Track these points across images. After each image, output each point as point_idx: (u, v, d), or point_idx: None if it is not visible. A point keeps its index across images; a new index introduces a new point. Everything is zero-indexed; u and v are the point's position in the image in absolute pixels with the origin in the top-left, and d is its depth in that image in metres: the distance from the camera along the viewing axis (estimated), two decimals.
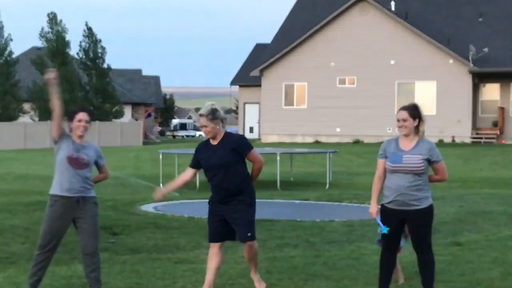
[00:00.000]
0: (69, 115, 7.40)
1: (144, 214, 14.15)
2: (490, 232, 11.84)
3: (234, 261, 9.16)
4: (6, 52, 54.69)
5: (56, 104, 7.36)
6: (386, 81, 42.86)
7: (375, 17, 43.74)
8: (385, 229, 7.04)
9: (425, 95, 40.41)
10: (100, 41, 57.00)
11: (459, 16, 45.46)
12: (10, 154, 39.38)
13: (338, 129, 43.85)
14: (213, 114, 7.33)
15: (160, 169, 22.04)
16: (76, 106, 53.45)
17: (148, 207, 15.33)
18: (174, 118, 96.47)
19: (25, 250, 10.10)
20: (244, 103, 54.03)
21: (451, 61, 42.08)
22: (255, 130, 52.52)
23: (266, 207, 15.33)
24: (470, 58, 41.38)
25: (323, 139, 43.71)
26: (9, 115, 53.23)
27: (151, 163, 30.91)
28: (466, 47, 41.63)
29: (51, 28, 54.43)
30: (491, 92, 43.82)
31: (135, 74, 72.97)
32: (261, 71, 45.51)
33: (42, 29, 54.43)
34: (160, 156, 22.65)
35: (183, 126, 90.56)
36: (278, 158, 21.34)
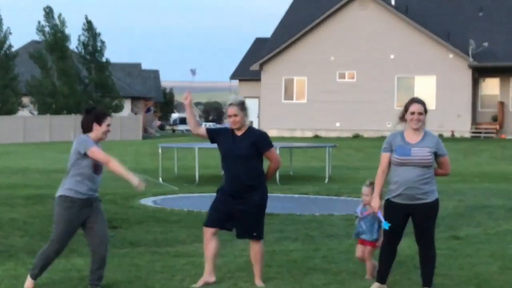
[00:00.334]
0: (97, 116, 7.31)
1: (143, 208, 14.15)
2: (489, 226, 11.86)
3: (233, 255, 9.17)
4: (5, 46, 54.64)
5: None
6: (385, 75, 42.86)
7: (375, 12, 43.71)
8: (386, 225, 7.05)
9: (425, 90, 40.40)
10: (100, 34, 56.95)
11: (459, 11, 45.42)
12: (9, 147, 39.39)
13: (337, 124, 43.86)
14: (242, 105, 7.55)
15: (159, 163, 22.03)
16: (75, 100, 53.38)
17: (147, 201, 15.33)
18: (174, 112, 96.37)
19: (24, 243, 10.12)
20: (244, 97, 53.68)
21: (451, 55, 42.07)
22: (255, 124, 52.44)
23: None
24: (470, 52, 41.38)
25: (323, 134, 43.72)
26: (8, 109, 53.22)
27: (151, 157, 30.91)
28: (466, 41, 41.63)
29: (47, 22, 54.34)
30: (491, 86, 43.82)
31: (135, 68, 72.93)
32: (261, 65, 45.49)
33: (39, 23, 54.39)
34: (160, 150, 22.64)
35: (182, 121, 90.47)
36: (277, 152, 21.30)
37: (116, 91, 57.00)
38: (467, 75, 41.97)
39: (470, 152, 30.74)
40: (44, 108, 53.25)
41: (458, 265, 8.59)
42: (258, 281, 7.58)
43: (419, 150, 7.00)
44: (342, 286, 7.50)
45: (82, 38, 56.60)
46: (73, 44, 56.94)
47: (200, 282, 7.54)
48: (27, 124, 49.00)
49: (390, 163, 7.12)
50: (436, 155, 7.09)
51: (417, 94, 40.75)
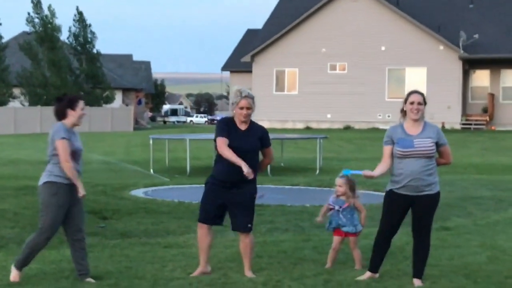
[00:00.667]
0: (70, 101, 7.33)
1: (134, 199, 14.16)
2: (478, 217, 11.93)
3: (223, 245, 9.20)
4: None
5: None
6: (376, 67, 42.92)
7: (366, 3, 43.72)
8: (348, 171, 7.40)
9: (416, 81, 40.48)
10: (90, 25, 56.79)
11: (449, 3, 45.48)
12: (0, 139, 39.29)
13: (329, 115, 43.91)
14: (254, 99, 7.52)
15: (150, 155, 22.02)
16: (66, 91, 53.32)
17: (138, 192, 15.34)
18: (165, 104, 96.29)
19: (15, 234, 10.12)
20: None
21: (441, 47, 42.15)
22: None
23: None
24: (460, 44, 41.46)
25: (314, 125, 43.77)
26: None
27: (142, 148, 30.88)
28: (457, 33, 41.70)
29: (36, 13, 54.12)
30: (481, 78, 43.94)
31: (126, 59, 72.72)
32: (252, 57, 45.47)
33: (29, 14, 54.17)
34: (151, 142, 22.63)
35: (174, 112, 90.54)
36: None
37: (107, 82, 56.85)
38: (458, 66, 42.07)
39: (460, 144, 30.83)
40: (35, 99, 53.08)
41: (447, 255, 8.64)
42: (247, 272, 7.61)
43: (422, 141, 7.02)
44: (332, 276, 7.53)
45: (73, 29, 56.42)
46: (64, 35, 56.68)
47: (197, 272, 7.56)
48: (18, 115, 48.85)
49: (392, 156, 7.13)
50: (437, 145, 7.12)
51: (408, 85, 40.85)
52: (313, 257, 8.52)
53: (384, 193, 7.36)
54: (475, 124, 42.17)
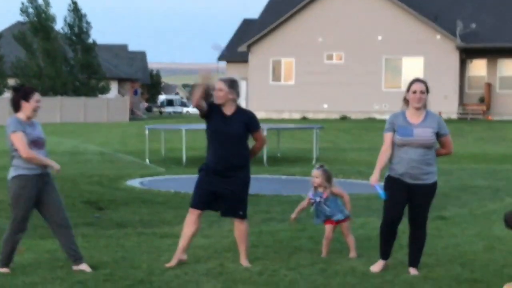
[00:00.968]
0: (24, 93, 7.30)
1: (130, 189, 14.15)
2: (474, 206, 11.93)
3: (220, 235, 9.19)
4: None
5: None
6: (373, 57, 42.85)
7: None
8: (384, 195, 7.03)
9: (412, 71, 40.41)
10: (85, 15, 56.59)
11: None
12: None
13: (325, 105, 43.88)
14: (231, 82, 7.52)
15: (146, 145, 21.99)
16: (61, 81, 53.02)
17: (134, 183, 15.32)
18: (161, 94, 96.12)
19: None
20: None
21: (438, 37, 42.10)
22: (243, 106, 52.30)
23: (252, 182, 15.27)
24: (457, 34, 41.41)
25: (310, 115, 43.74)
26: None
27: (138, 138, 30.83)
28: (454, 23, 41.64)
29: (30, 2, 53.92)
30: (478, 68, 43.91)
31: (121, 49, 72.53)
32: (249, 46, 45.37)
33: (23, 4, 53.96)
34: (147, 132, 22.60)
35: (170, 102, 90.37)
36: (265, 133, 21.29)
37: (102, 73, 56.71)
38: (455, 56, 42.04)
39: (456, 134, 30.82)
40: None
41: (443, 244, 8.64)
42: (243, 261, 7.60)
43: (422, 131, 6.99)
44: (328, 265, 7.53)
45: (68, 19, 56.21)
46: (59, 25, 56.49)
47: (175, 260, 7.54)
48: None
49: (393, 143, 7.11)
50: (438, 135, 7.10)
51: (405, 75, 40.86)
52: (309, 246, 8.52)
53: (383, 182, 7.30)
54: (472, 114, 42.16)
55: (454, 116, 41.70)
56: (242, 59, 47.81)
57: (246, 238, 7.66)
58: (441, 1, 44.50)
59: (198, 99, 7.36)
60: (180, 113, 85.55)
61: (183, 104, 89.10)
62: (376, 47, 42.82)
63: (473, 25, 41.61)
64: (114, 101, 54.41)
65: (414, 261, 7.24)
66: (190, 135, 22.41)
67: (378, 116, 40.84)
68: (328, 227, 8.06)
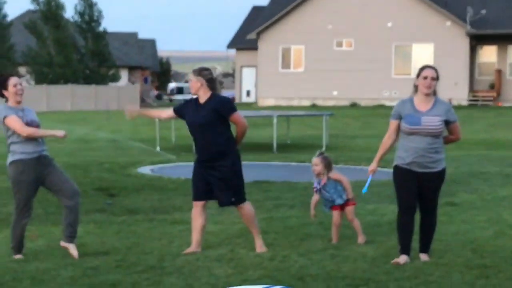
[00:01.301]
0: (0, 83, 7.39)
1: (140, 176, 14.21)
2: (485, 193, 11.93)
3: (231, 221, 9.25)
4: (0, 15, 54.32)
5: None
6: (383, 43, 42.72)
7: None
8: (365, 190, 7.24)
9: (422, 58, 40.30)
10: (96, 4, 56.62)
11: None
12: None
13: (335, 92, 43.82)
14: (198, 71, 7.54)
15: (157, 133, 22.06)
16: (72, 69, 53.16)
17: (145, 170, 15.38)
18: (171, 82, 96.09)
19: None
20: (241, 67, 53.86)
21: (448, 23, 41.92)
22: (252, 93, 52.44)
23: (263, 169, 15.40)
24: (467, 20, 41.23)
25: (320, 102, 43.70)
26: None
27: (148, 126, 30.87)
28: (464, 9, 41.45)
29: None
30: (488, 54, 43.73)
31: (131, 37, 72.43)
32: (258, 34, 45.31)
33: None
34: (157, 120, 22.62)
35: (180, 90, 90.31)
36: (275, 121, 21.36)
37: (112, 61, 56.77)
38: (465, 42, 41.86)
39: (467, 120, 30.77)
40: (41, 78, 53.09)
41: (453, 230, 8.66)
42: (259, 248, 7.62)
43: (430, 119, 6.90)
44: (338, 251, 7.56)
45: (78, 7, 56.26)
46: (69, 14, 56.55)
47: (189, 250, 7.59)
48: (24, 94, 48.79)
49: (397, 131, 7.06)
50: (447, 122, 7.01)
51: (415, 62, 40.74)
52: (320, 232, 8.56)
53: (392, 170, 7.29)
54: (482, 100, 42.04)
55: (464, 102, 41.59)
56: (252, 46, 47.77)
57: (253, 221, 7.67)
58: None
59: (160, 116, 8.21)
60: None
61: None
62: (386, 34, 42.69)
63: (484, 11, 41.41)
64: (124, 89, 54.49)
65: (424, 247, 7.24)
66: None
67: (388, 103, 40.75)
68: (334, 213, 8.11)
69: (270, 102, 44.27)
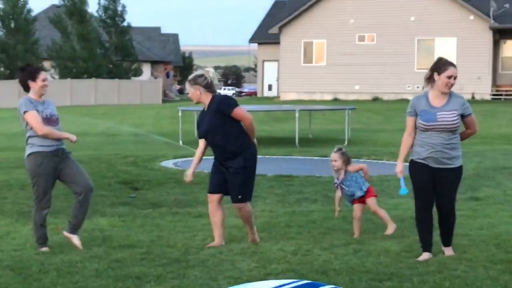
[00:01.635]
0: (30, 73, 7.44)
1: (164, 170, 14.28)
2: (508, 187, 11.86)
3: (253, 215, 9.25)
4: (25, 10, 54.76)
5: None
6: (405, 37, 42.53)
7: None
8: (404, 191, 7.01)
9: (445, 52, 40.02)
10: None
11: None
12: None
13: (357, 87, 43.70)
14: (194, 80, 7.50)
15: (179, 126, 22.14)
16: (95, 64, 53.54)
17: (168, 163, 15.46)
18: None
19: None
20: (263, 61, 53.86)
21: (471, 17, 41.64)
22: (274, 87, 52.44)
23: (284, 163, 15.43)
24: (491, 14, 40.92)
25: (342, 97, 43.61)
26: None
27: (170, 120, 31.03)
28: (487, 3, 41.15)
29: None
30: None
31: (154, 31, 72.73)
32: (280, 28, 45.27)
33: None
34: (179, 113, 22.73)
35: None
36: (297, 115, 21.36)
37: (135, 55, 57.03)
38: (488, 37, 41.56)
39: (490, 114, 30.58)
40: (65, 72, 53.46)
41: (477, 225, 8.62)
42: (252, 238, 7.72)
43: (445, 115, 6.83)
44: (361, 245, 7.57)
45: (102, 2, 56.58)
46: (94, 8, 56.97)
47: (212, 244, 7.64)
48: (48, 88, 48.94)
49: (415, 127, 6.98)
50: (462, 116, 6.94)
51: (437, 56, 40.45)
52: (342, 227, 8.57)
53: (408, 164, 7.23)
54: (505, 95, 41.73)
55: (487, 97, 41.32)
56: (274, 40, 47.75)
57: (249, 219, 7.68)
58: None
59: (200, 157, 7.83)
60: None
61: None
62: (408, 28, 42.49)
63: (507, 6, 41.09)
64: (147, 84, 54.73)
65: (447, 241, 7.18)
66: None
67: (410, 97, 40.31)
68: (355, 206, 8.13)
69: (292, 96, 44.25)
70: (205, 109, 7.54)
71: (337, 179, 8.15)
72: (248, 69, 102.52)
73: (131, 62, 56.74)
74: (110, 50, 56.40)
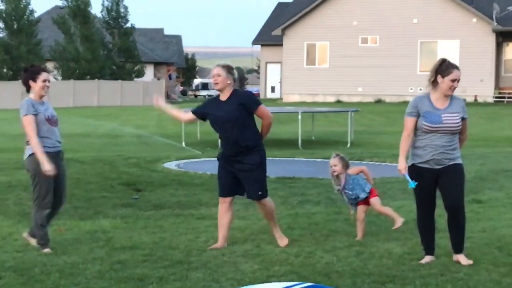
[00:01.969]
0: (32, 73, 7.46)
1: (167, 171, 14.28)
2: (511, 190, 11.84)
3: (256, 217, 9.27)
4: (28, 11, 54.80)
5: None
6: (408, 40, 42.53)
7: None
8: (413, 184, 6.90)
9: (448, 54, 39.96)
10: (123, 0, 56.99)
11: None
12: None
13: (360, 89, 43.71)
14: (228, 68, 7.56)
15: (182, 128, 22.14)
16: (98, 65, 53.61)
17: (171, 165, 15.45)
18: (196, 78, 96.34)
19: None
20: (266, 63, 53.88)
21: (474, 19, 41.63)
22: (277, 89, 52.44)
23: (287, 165, 15.41)
24: (494, 16, 40.91)
25: (345, 99, 43.61)
26: None
27: (174, 122, 31.01)
28: (490, 5, 41.15)
29: None
30: None
31: (157, 33, 72.78)
32: (283, 30, 45.30)
33: None
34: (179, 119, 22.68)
35: (204, 86, 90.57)
36: (299, 117, 21.35)
37: (138, 56, 57.08)
38: (491, 39, 41.55)
39: (493, 117, 30.56)
40: (68, 73, 53.50)
41: (480, 228, 8.61)
42: (281, 242, 7.68)
43: (450, 117, 6.80)
44: (364, 248, 7.57)
45: (106, 3, 56.67)
46: (97, 10, 57.12)
47: (214, 246, 7.64)
48: (51, 89, 48.92)
49: (415, 128, 6.93)
50: (462, 119, 6.92)
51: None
52: (345, 229, 8.56)
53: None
54: (508, 97, 41.71)
55: (490, 99, 41.30)
56: (277, 42, 47.77)
57: (272, 213, 7.73)
58: None
59: (181, 118, 8.10)
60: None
61: None
62: (411, 30, 42.49)
63: (510, 8, 41.09)
64: (150, 85, 54.74)
65: (458, 247, 7.00)
66: None
67: None
68: (359, 208, 8.13)
69: (295, 98, 44.25)
70: (222, 99, 7.55)
71: (339, 185, 8.14)
72: (251, 71, 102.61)
73: (134, 64, 56.78)
74: (113, 52, 56.44)
